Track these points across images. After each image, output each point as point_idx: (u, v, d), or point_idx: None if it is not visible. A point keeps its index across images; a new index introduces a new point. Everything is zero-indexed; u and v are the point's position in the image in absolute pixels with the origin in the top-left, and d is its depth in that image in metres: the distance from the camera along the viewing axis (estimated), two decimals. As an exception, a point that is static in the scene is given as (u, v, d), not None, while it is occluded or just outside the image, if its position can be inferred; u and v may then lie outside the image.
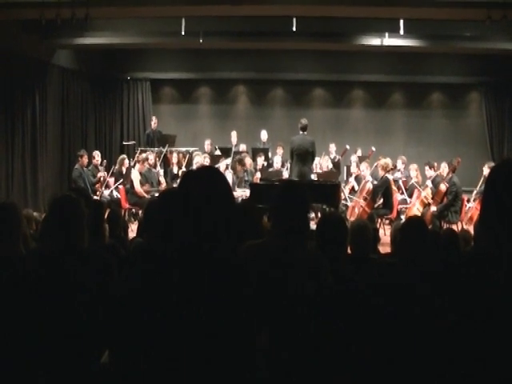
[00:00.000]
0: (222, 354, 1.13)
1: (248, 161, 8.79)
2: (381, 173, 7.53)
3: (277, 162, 9.12)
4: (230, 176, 8.18)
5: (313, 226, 6.10)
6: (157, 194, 7.47)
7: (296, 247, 1.72)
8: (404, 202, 8.10)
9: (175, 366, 1.13)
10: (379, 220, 7.49)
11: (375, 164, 8.22)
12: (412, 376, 1.68)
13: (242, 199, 7.59)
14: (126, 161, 8.70)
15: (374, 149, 9.84)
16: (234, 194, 7.47)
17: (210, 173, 1.40)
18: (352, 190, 8.42)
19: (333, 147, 10.11)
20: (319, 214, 8.15)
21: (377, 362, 1.67)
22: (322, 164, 9.23)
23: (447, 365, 1.27)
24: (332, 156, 9.97)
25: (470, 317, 1.18)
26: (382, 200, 7.51)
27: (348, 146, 9.82)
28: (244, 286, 1.23)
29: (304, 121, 7.50)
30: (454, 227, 6.78)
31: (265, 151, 9.85)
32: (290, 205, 1.77)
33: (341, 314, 1.69)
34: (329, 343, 1.58)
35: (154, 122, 10.64)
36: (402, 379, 1.69)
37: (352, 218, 7.19)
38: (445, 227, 6.83)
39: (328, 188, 6.87)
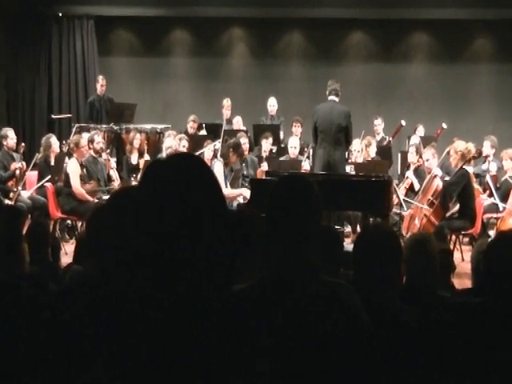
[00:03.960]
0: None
1: (245, 144, 8.80)
2: (456, 163, 7.53)
3: (292, 145, 9.11)
4: (219, 167, 8.17)
5: (349, 245, 6.07)
6: (106, 197, 7.53)
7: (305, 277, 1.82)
8: (494, 208, 8.08)
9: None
10: (454, 237, 7.49)
11: (447, 149, 8.21)
12: None
13: (239, 204, 7.60)
14: (55, 143, 8.72)
15: (445, 126, 9.80)
16: (226, 194, 7.47)
17: (188, 163, 1.43)
18: (410, 190, 8.42)
19: (379, 123, 10.09)
20: (358, 228, 8.15)
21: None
22: (369, 150, 9.18)
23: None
24: (379, 137, 9.96)
25: None
26: (457, 206, 7.49)
27: (404, 122, 9.81)
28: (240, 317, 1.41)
29: (333, 83, 7.49)
30: None
31: (274, 130, 9.85)
32: (286, 211, 1.86)
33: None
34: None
35: (100, 84, 10.65)
36: None
37: (409, 234, 7.16)
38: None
39: (372, 186, 6.87)
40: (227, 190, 7.69)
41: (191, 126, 10.04)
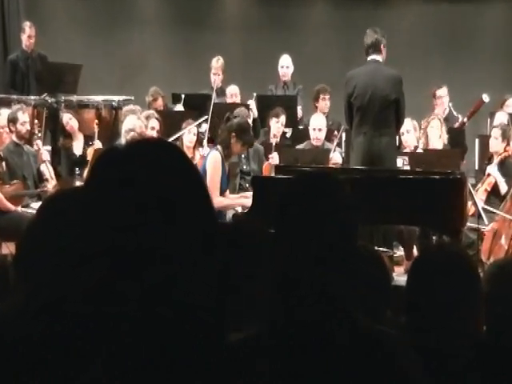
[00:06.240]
0: None
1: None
2: None
3: (316, 127, 9.17)
4: (216, 159, 8.13)
5: (400, 277, 6.01)
6: (37, 204, 7.52)
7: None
8: None
9: None
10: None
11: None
12: None
13: (235, 214, 7.62)
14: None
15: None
16: (222, 206, 7.48)
17: (157, 152, 1.53)
18: (493, 194, 8.41)
19: (443, 94, 10.06)
20: (415, 251, 8.11)
21: None
22: (430, 136, 9.15)
23: None
24: (444, 113, 9.93)
25: None
26: None
27: (486, 97, 9.79)
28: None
29: (374, 34, 7.50)
30: None
31: (288, 104, 9.92)
32: (300, 208, 2.00)
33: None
34: None
35: (27, 35, 10.72)
36: None
37: (493, 259, 7.14)
38: None
39: (436, 188, 6.84)
40: (222, 200, 7.40)
41: (154, 106, 9.91)
